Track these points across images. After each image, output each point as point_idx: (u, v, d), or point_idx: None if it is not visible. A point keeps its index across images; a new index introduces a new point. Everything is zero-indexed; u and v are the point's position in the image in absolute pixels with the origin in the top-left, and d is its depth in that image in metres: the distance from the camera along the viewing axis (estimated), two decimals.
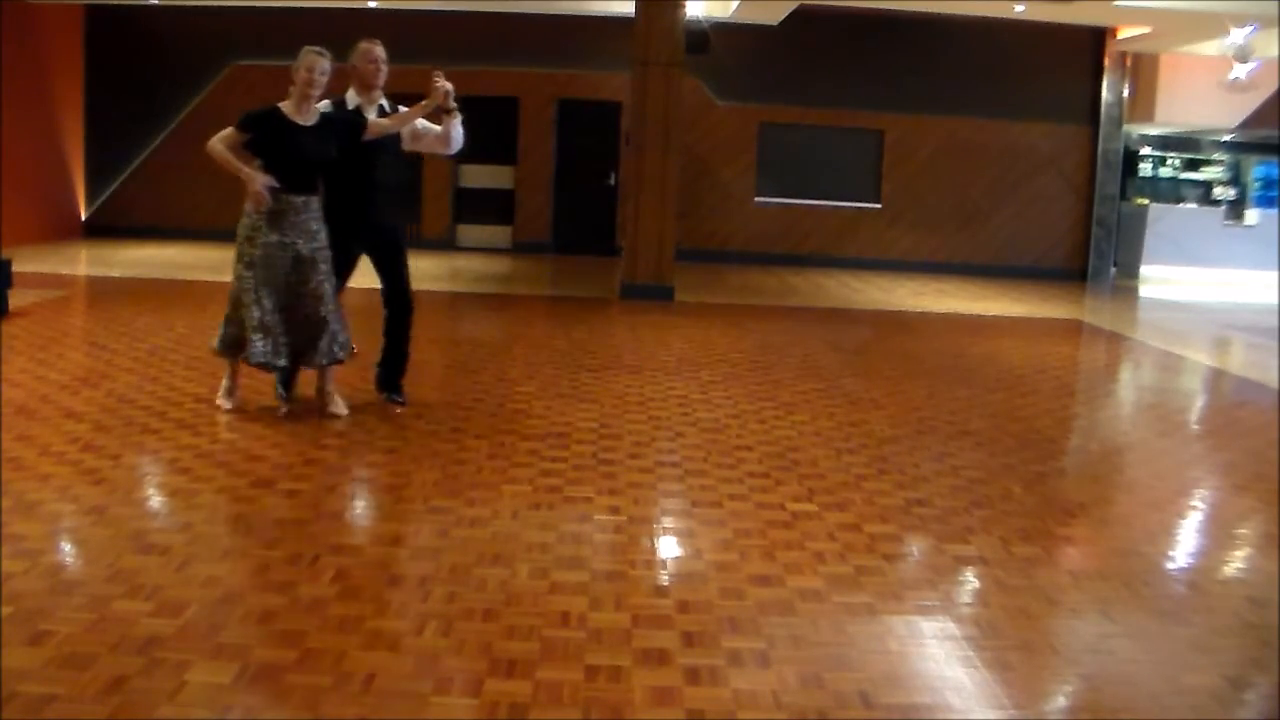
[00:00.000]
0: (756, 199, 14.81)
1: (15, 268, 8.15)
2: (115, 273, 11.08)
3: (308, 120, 5.06)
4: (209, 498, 4.07)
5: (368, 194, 5.34)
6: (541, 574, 3.46)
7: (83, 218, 14.56)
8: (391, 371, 5.69)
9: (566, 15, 13.71)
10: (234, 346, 5.20)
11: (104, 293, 10.02)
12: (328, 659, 2.80)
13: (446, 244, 14.60)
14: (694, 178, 13.95)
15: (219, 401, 5.41)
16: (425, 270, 12.17)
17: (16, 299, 8.08)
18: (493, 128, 14.47)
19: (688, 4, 10.77)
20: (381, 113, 5.36)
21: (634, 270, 10.60)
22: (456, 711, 2.60)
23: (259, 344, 5.02)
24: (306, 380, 5.51)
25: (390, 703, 2.61)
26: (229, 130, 4.98)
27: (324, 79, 5.06)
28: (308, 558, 3.59)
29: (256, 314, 5.00)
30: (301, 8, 13.80)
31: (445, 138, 5.46)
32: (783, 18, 13.18)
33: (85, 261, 12.09)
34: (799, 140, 14.77)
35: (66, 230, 14.15)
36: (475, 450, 4.91)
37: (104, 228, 14.45)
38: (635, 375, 6.81)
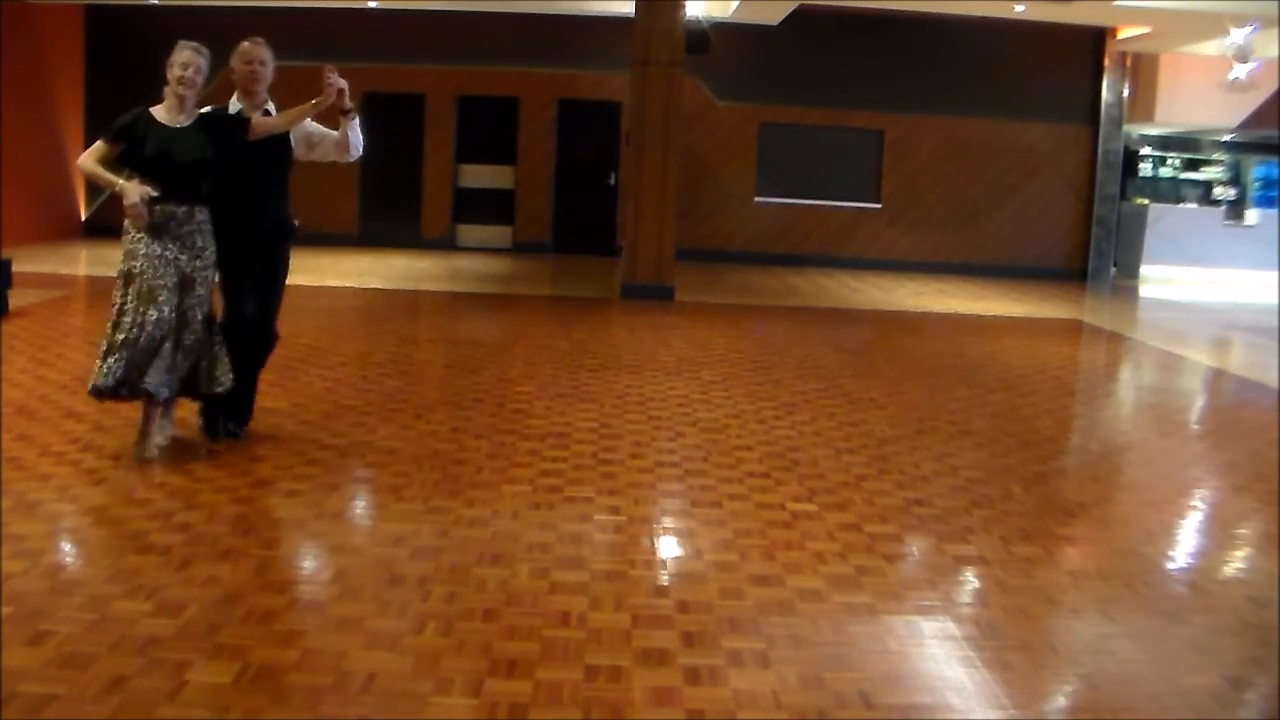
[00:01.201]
0: (756, 199, 14.81)
1: (15, 268, 8.15)
2: (115, 273, 11.05)
3: (182, 122, 4.62)
4: (209, 498, 4.07)
5: (252, 204, 4.77)
6: (541, 574, 3.46)
7: (83, 218, 14.55)
8: (232, 408, 4.85)
9: (566, 15, 13.70)
10: (124, 381, 4.41)
11: (104, 293, 9.96)
12: (328, 659, 2.80)
13: (446, 244, 14.60)
14: (694, 178, 13.95)
15: (142, 452, 4.50)
16: (425, 270, 12.20)
17: (16, 299, 8.08)
18: (493, 128, 14.50)
19: (688, 4, 10.77)
20: (267, 115, 4.90)
21: (634, 270, 10.59)
22: (456, 711, 2.60)
23: (114, 365, 4.38)
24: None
25: (390, 703, 2.61)
26: (98, 144, 4.52)
27: (199, 77, 4.65)
28: (307, 558, 3.59)
29: (134, 334, 4.40)
30: (301, 8, 13.80)
31: (344, 143, 4.93)
32: (783, 18, 13.17)
33: (85, 261, 12.09)
34: (799, 140, 14.77)
35: (66, 230, 14.14)
36: (475, 450, 4.91)
37: (104, 228, 14.38)
38: (635, 375, 6.81)
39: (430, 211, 14.70)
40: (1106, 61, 14.62)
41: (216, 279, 4.69)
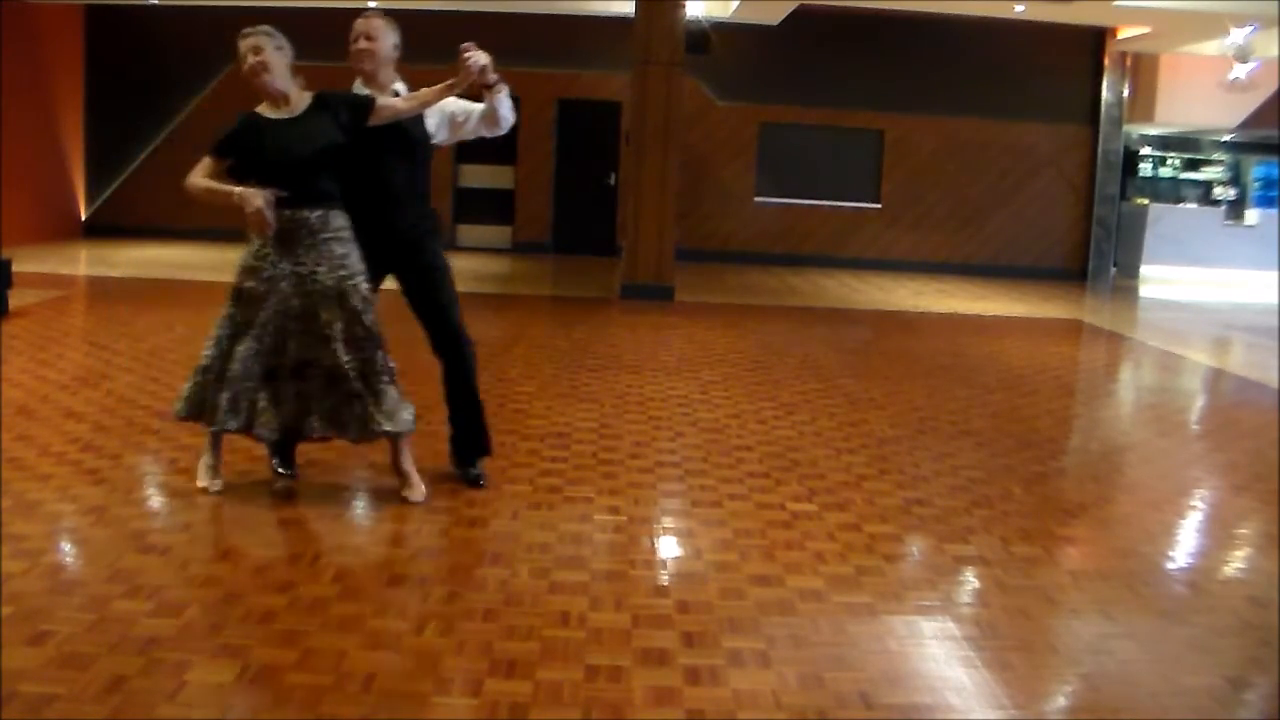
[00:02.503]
0: (756, 199, 14.82)
1: (15, 268, 8.15)
2: (115, 273, 11.07)
3: (291, 113, 3.97)
4: (209, 498, 4.07)
5: (387, 201, 4.20)
6: (541, 574, 3.46)
7: (83, 218, 14.56)
8: (462, 440, 4.42)
9: (566, 15, 13.71)
10: (201, 406, 4.01)
11: (104, 293, 10.02)
12: (328, 659, 2.80)
13: (446, 244, 14.52)
14: (694, 178, 13.95)
15: (200, 482, 4.12)
16: None
17: (16, 299, 8.08)
18: None
19: (688, 4, 10.77)
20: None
21: (634, 270, 10.60)
22: (456, 711, 2.60)
23: (224, 400, 3.92)
24: (338, 449, 4.59)
25: (390, 703, 2.61)
26: (204, 159, 3.99)
27: (272, 57, 3.92)
28: (308, 558, 3.59)
29: (217, 364, 3.97)
30: (302, 8, 13.79)
31: (492, 116, 4.30)
32: (783, 18, 13.18)
33: (85, 261, 12.09)
34: (799, 140, 14.77)
35: (66, 230, 14.15)
36: None
37: (104, 228, 14.45)
38: (635, 375, 6.80)
39: None
40: (1106, 61, 14.63)
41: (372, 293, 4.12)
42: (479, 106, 4.31)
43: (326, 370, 3.97)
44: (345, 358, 3.98)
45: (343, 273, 3.96)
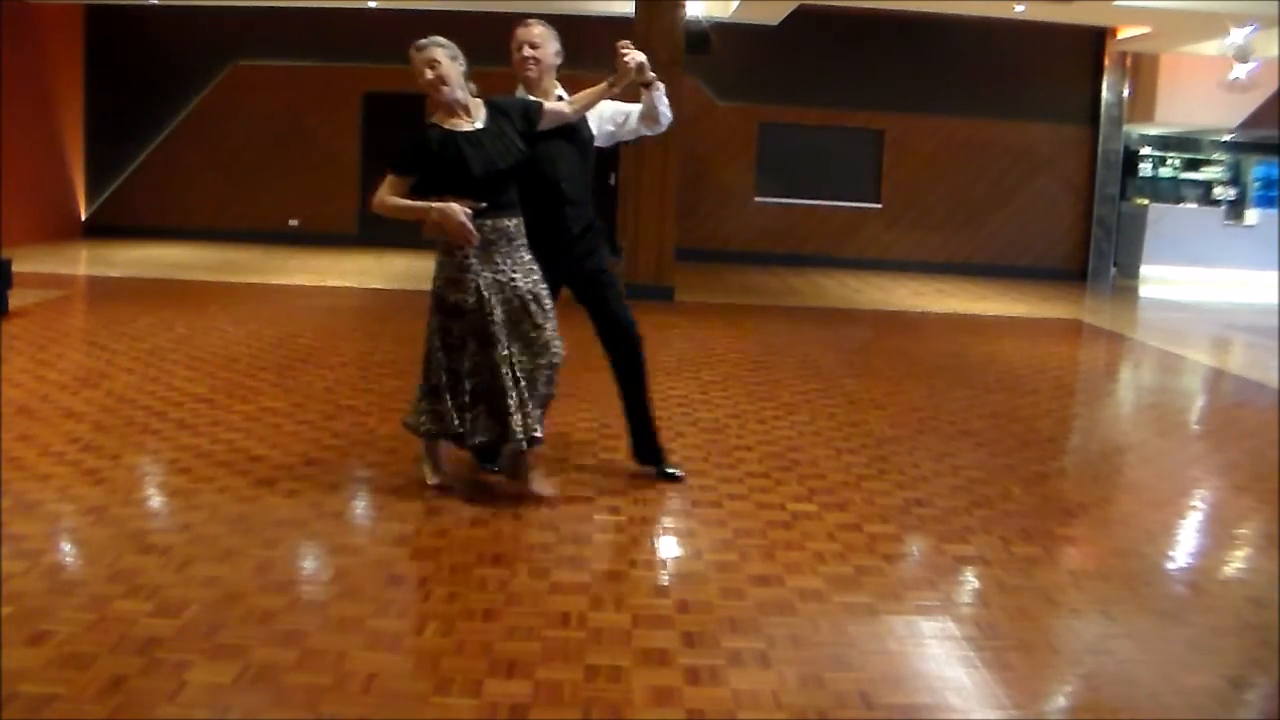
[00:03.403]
0: (756, 199, 14.82)
1: (15, 268, 8.15)
2: (115, 273, 11.08)
3: (473, 123, 3.97)
4: (209, 498, 4.07)
5: (564, 205, 4.20)
6: (541, 574, 3.46)
7: (83, 218, 14.57)
8: (639, 435, 4.53)
9: (566, 15, 13.68)
10: (444, 423, 4.11)
11: (104, 293, 10.02)
12: (328, 659, 2.80)
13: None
14: (694, 178, 13.95)
15: (430, 480, 4.26)
16: (425, 270, 12.16)
17: (16, 299, 8.08)
18: None
19: (688, 4, 10.77)
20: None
21: (634, 270, 10.59)
22: (456, 711, 2.60)
23: (457, 412, 4.06)
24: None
25: (390, 703, 2.61)
26: (388, 179, 3.95)
27: (449, 68, 3.92)
28: (307, 558, 3.59)
29: (462, 380, 4.02)
30: (301, 8, 13.81)
31: (651, 114, 4.32)
32: (783, 18, 13.18)
33: (85, 261, 12.10)
34: (799, 140, 14.77)
35: (66, 230, 14.15)
36: None
37: (104, 228, 14.45)
38: None
39: None
40: (1106, 61, 14.63)
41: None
42: (635, 107, 4.36)
43: (510, 374, 4.00)
44: (525, 361, 4.03)
45: (535, 277, 4.04)
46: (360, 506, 4.25)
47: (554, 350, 4.07)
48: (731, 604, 3.30)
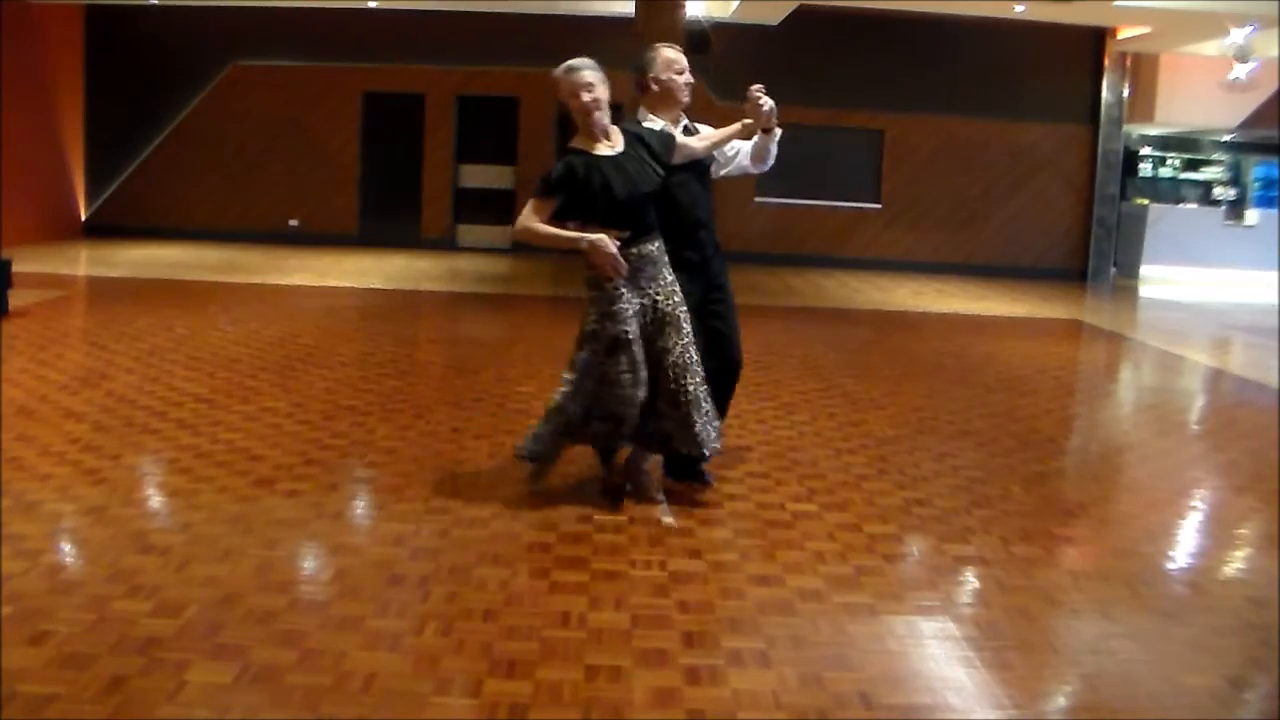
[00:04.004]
0: (756, 199, 14.81)
1: (15, 268, 8.15)
2: (115, 273, 11.08)
3: (613, 148, 3.97)
4: (209, 498, 4.07)
5: (698, 230, 4.28)
6: (541, 574, 3.46)
7: (83, 218, 14.57)
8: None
9: (566, 15, 13.71)
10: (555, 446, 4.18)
11: (104, 293, 10.02)
12: (328, 659, 2.80)
13: (447, 244, 14.61)
14: None
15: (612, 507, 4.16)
16: (425, 270, 12.20)
17: (16, 299, 8.08)
18: (493, 128, 14.50)
19: (688, 4, 10.77)
20: (687, 133, 4.31)
21: None
22: (456, 711, 2.60)
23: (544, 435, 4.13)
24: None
25: (390, 703, 2.61)
26: (533, 203, 4.00)
27: (599, 94, 3.91)
28: (307, 558, 3.59)
29: (635, 396, 3.99)
30: (301, 8, 13.81)
31: (762, 155, 4.42)
32: (783, 18, 13.18)
33: (85, 261, 12.10)
34: (799, 140, 14.74)
35: (66, 230, 14.16)
36: (475, 450, 4.91)
37: (104, 228, 14.46)
38: None
39: (430, 211, 14.71)
40: (1106, 61, 14.62)
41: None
42: (744, 144, 4.42)
43: (654, 393, 4.04)
44: (670, 382, 4.03)
45: (676, 298, 4.05)
46: (360, 506, 4.25)
47: (695, 369, 4.06)
48: (731, 604, 3.30)
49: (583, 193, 3.89)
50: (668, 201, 4.11)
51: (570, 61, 3.93)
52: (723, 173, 4.52)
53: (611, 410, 4.01)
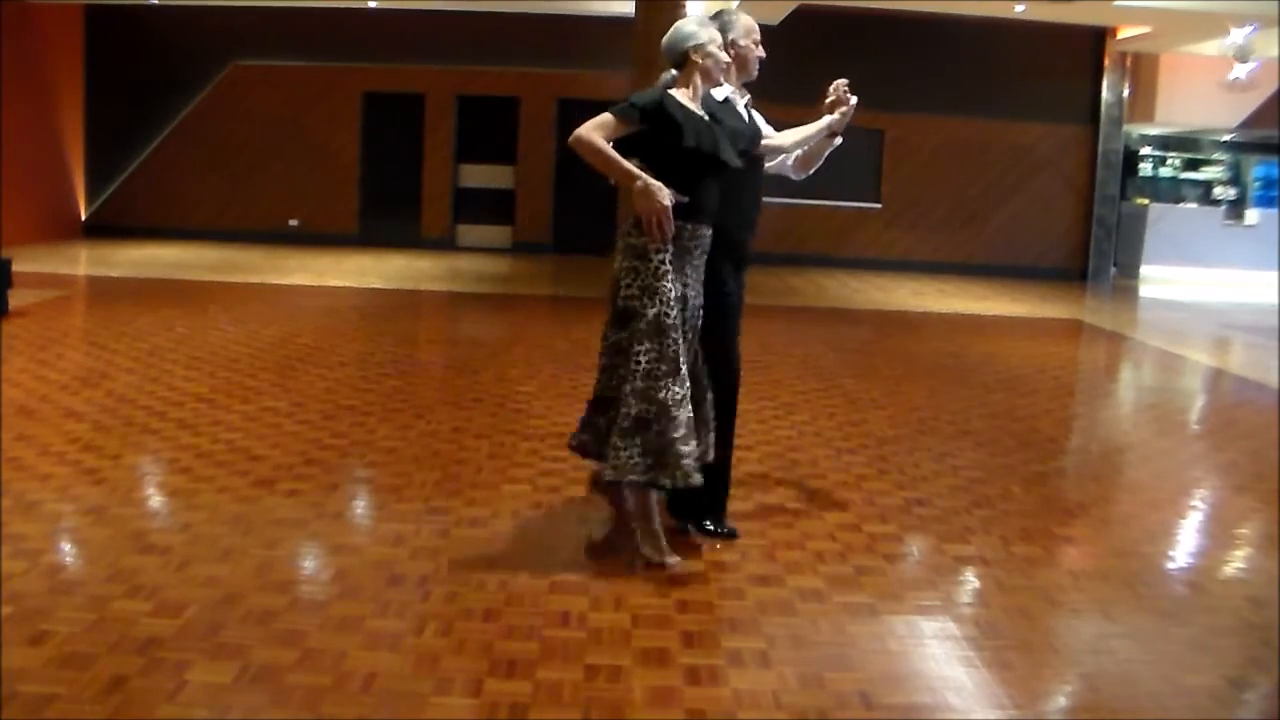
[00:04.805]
0: None
1: (15, 268, 8.15)
2: (115, 273, 11.08)
3: (703, 113, 3.53)
4: (209, 498, 4.07)
5: (742, 225, 3.89)
6: (541, 574, 3.46)
7: (83, 218, 14.57)
8: (706, 485, 3.58)
9: (566, 15, 13.71)
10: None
11: (104, 293, 10.02)
12: (328, 659, 2.80)
13: (446, 244, 14.61)
14: None
15: (668, 561, 3.49)
16: (425, 270, 12.20)
17: (16, 299, 8.08)
18: (493, 128, 14.50)
19: (688, 4, 10.76)
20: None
21: None
22: (456, 711, 2.60)
23: (687, 449, 3.37)
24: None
25: (390, 703, 2.61)
26: (607, 117, 3.37)
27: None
28: (307, 558, 3.59)
29: (683, 410, 3.38)
30: (301, 8, 13.81)
31: (812, 162, 4.21)
32: (783, 18, 13.17)
33: (85, 261, 12.09)
34: None
35: (66, 230, 14.15)
36: (475, 450, 4.91)
37: (104, 228, 14.45)
38: None
39: (430, 211, 14.71)
40: (1106, 61, 14.62)
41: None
42: (797, 150, 4.12)
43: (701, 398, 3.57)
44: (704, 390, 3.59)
45: (701, 300, 3.59)
46: (360, 506, 4.25)
47: (698, 382, 3.59)
48: (731, 604, 3.30)
49: (666, 132, 3.37)
50: (731, 197, 3.66)
51: (717, 18, 3.65)
52: (770, 166, 4.19)
53: (635, 410, 3.37)
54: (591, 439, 3.58)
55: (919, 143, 14.82)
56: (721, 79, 3.66)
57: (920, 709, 2.70)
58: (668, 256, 3.39)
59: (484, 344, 8.11)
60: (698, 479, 3.41)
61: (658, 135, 3.40)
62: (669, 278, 3.38)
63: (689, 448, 3.37)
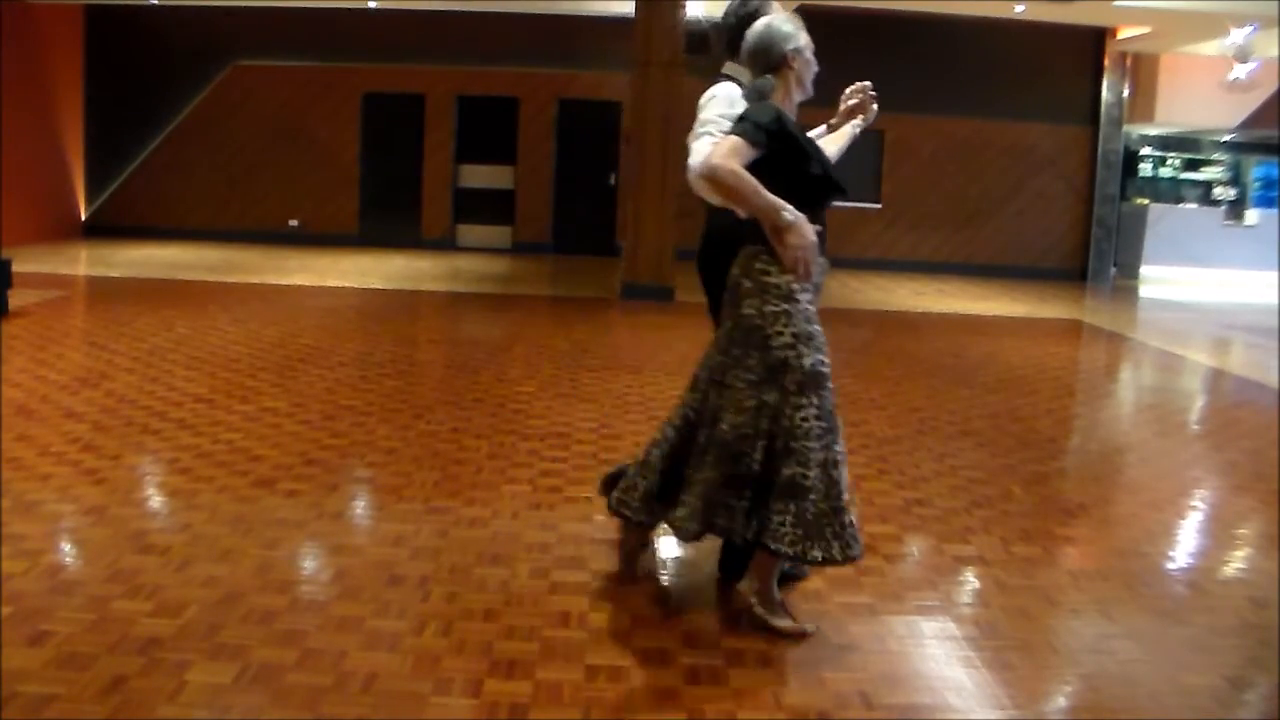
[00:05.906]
0: None
1: (15, 268, 8.15)
2: (115, 273, 11.08)
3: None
4: (209, 498, 4.07)
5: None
6: (541, 574, 3.46)
7: (83, 218, 14.56)
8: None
9: (566, 15, 13.71)
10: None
11: (104, 293, 10.02)
12: (328, 659, 2.80)
13: (446, 244, 14.60)
14: None
15: (785, 626, 3.08)
16: (425, 270, 12.20)
17: (16, 299, 8.08)
18: (493, 128, 14.50)
19: (688, 4, 10.77)
20: None
21: (634, 270, 10.59)
22: (456, 711, 2.60)
23: (849, 518, 2.99)
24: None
25: (390, 703, 2.61)
26: (737, 141, 2.91)
27: None
28: (307, 558, 3.59)
29: (844, 472, 2.99)
30: (301, 8, 13.81)
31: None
32: None
33: (85, 261, 12.09)
34: None
35: (66, 230, 14.15)
36: (475, 450, 4.91)
37: (104, 228, 14.45)
38: (635, 375, 6.80)
39: (430, 211, 14.70)
40: (1106, 61, 14.62)
41: None
42: None
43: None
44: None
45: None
46: (360, 507, 4.25)
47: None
48: (731, 604, 3.29)
49: (790, 155, 2.96)
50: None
51: (782, 18, 3.31)
52: None
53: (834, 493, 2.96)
54: (731, 521, 3.02)
55: (919, 143, 14.81)
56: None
57: (920, 709, 2.70)
58: (811, 297, 3.01)
59: (484, 344, 8.10)
60: (858, 550, 2.99)
61: (778, 159, 2.94)
62: (817, 320, 3.00)
63: (852, 515, 2.99)
